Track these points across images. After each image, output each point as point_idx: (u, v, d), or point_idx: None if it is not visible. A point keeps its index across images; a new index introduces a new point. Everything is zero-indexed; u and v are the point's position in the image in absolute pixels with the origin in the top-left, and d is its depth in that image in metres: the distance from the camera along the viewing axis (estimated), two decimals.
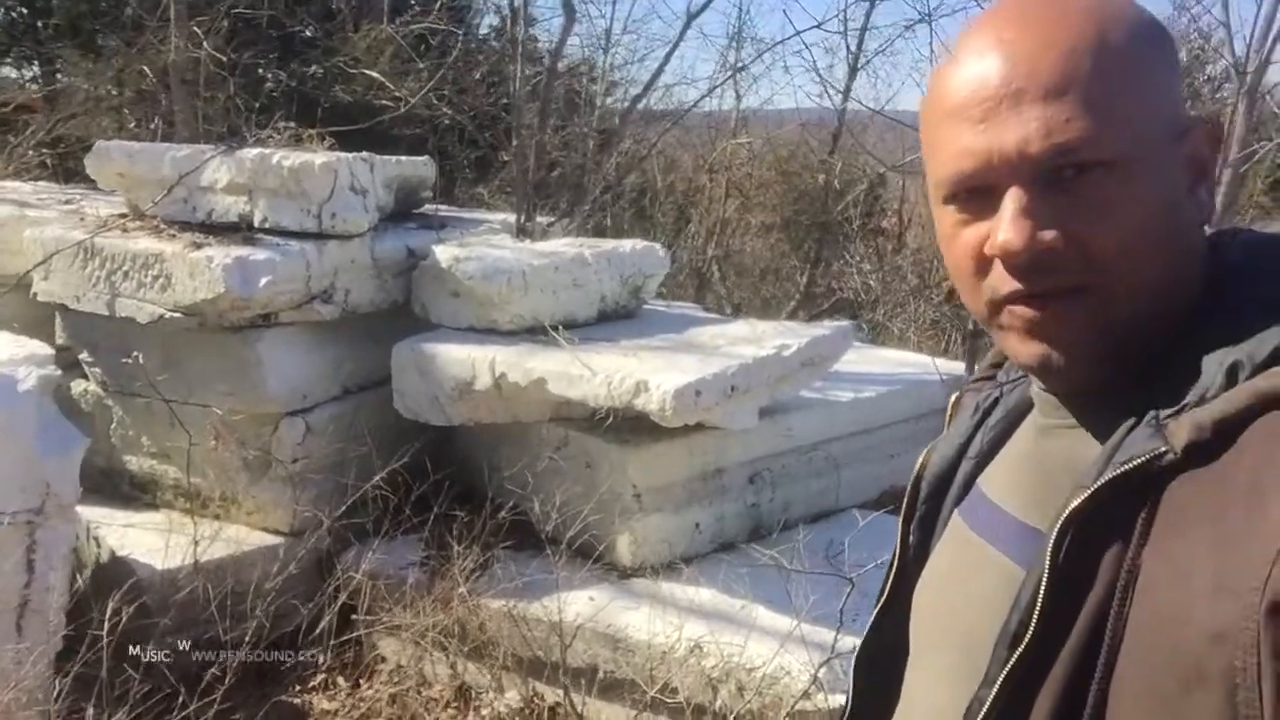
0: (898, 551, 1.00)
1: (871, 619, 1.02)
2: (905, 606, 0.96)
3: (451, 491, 3.41)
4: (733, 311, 7.01)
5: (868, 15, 7.14)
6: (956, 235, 0.80)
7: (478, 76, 6.13)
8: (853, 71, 7.20)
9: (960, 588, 0.87)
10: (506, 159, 5.79)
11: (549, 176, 5.84)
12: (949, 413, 1.02)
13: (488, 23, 9.08)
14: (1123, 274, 0.74)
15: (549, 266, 3.57)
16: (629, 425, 3.22)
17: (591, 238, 5.10)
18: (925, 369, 4.26)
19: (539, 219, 4.89)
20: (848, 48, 7.20)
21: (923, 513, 0.97)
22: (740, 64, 6.98)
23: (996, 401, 0.95)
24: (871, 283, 7.38)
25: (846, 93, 7.09)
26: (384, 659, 3.32)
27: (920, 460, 0.99)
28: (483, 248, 3.73)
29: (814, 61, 10.09)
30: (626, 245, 3.89)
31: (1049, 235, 0.74)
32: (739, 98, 7.33)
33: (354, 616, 3.23)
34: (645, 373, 3.03)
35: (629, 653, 2.93)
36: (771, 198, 8.05)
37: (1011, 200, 0.75)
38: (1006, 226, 0.75)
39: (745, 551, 3.24)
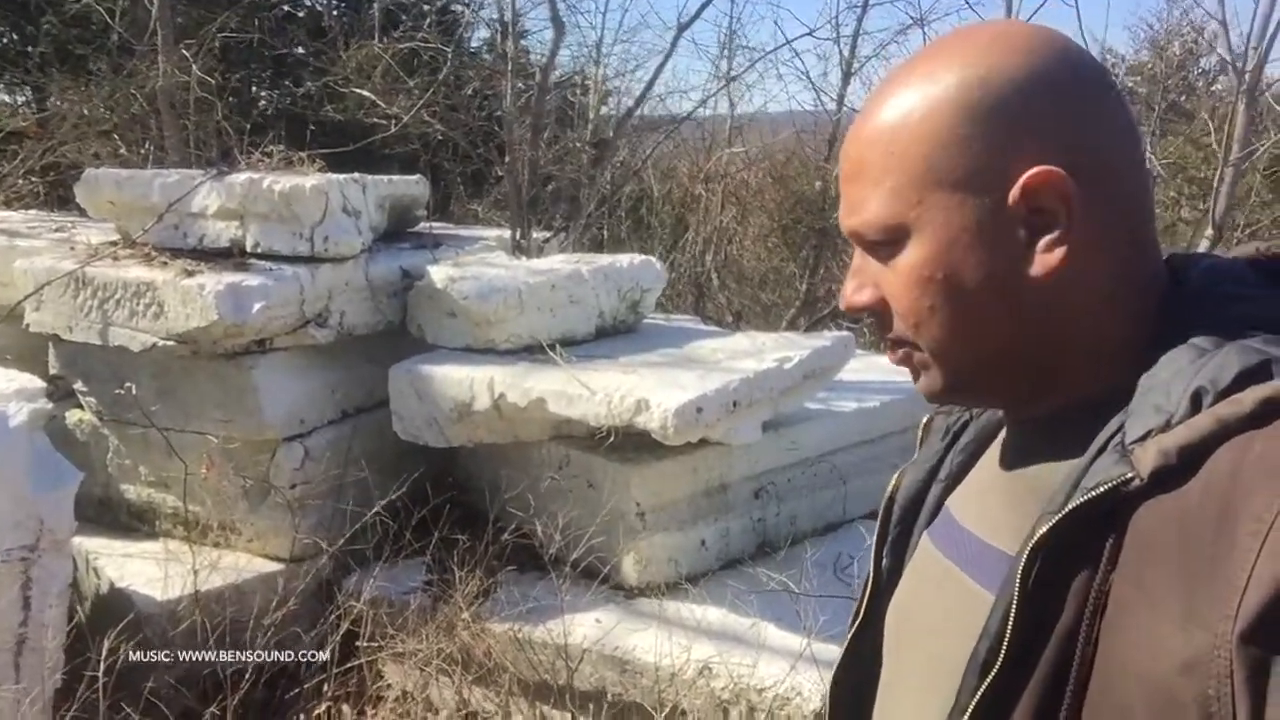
0: (871, 574, 1.01)
1: (846, 642, 1.03)
2: (880, 629, 0.97)
3: (453, 515, 3.37)
4: (734, 320, 6.97)
5: (859, 20, 7.13)
6: None
7: (469, 92, 6.11)
8: (846, 77, 7.17)
9: (929, 611, 0.88)
10: (501, 174, 5.77)
11: (544, 191, 5.82)
12: (919, 435, 1.03)
13: (479, 37, 9.07)
14: (931, 336, 0.81)
15: (545, 284, 3.53)
16: (631, 443, 3.18)
17: (589, 252, 5.06)
18: None
19: (535, 234, 4.85)
20: (840, 54, 7.18)
21: (894, 535, 0.99)
22: (732, 73, 6.96)
23: (966, 424, 0.97)
24: None
25: (841, 99, 7.07)
26: (389, 687, 3.27)
27: (892, 483, 1.01)
28: (478, 266, 3.69)
29: (807, 70, 10.04)
30: (624, 260, 3.85)
31: (864, 296, 0.84)
32: (732, 105, 7.33)
33: (358, 644, 3.18)
34: (645, 390, 2.99)
35: (637, 675, 2.89)
36: (768, 204, 8.03)
37: (854, 258, 0.86)
38: (846, 281, 0.86)
39: (753, 569, 3.20)
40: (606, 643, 2.94)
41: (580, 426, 3.13)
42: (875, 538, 1.01)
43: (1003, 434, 0.90)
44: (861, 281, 0.83)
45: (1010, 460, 0.87)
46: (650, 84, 5.78)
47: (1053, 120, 0.77)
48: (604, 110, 6.86)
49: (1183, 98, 11.31)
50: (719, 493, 3.35)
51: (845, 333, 3.91)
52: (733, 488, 3.37)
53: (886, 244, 0.80)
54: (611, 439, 3.07)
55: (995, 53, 0.77)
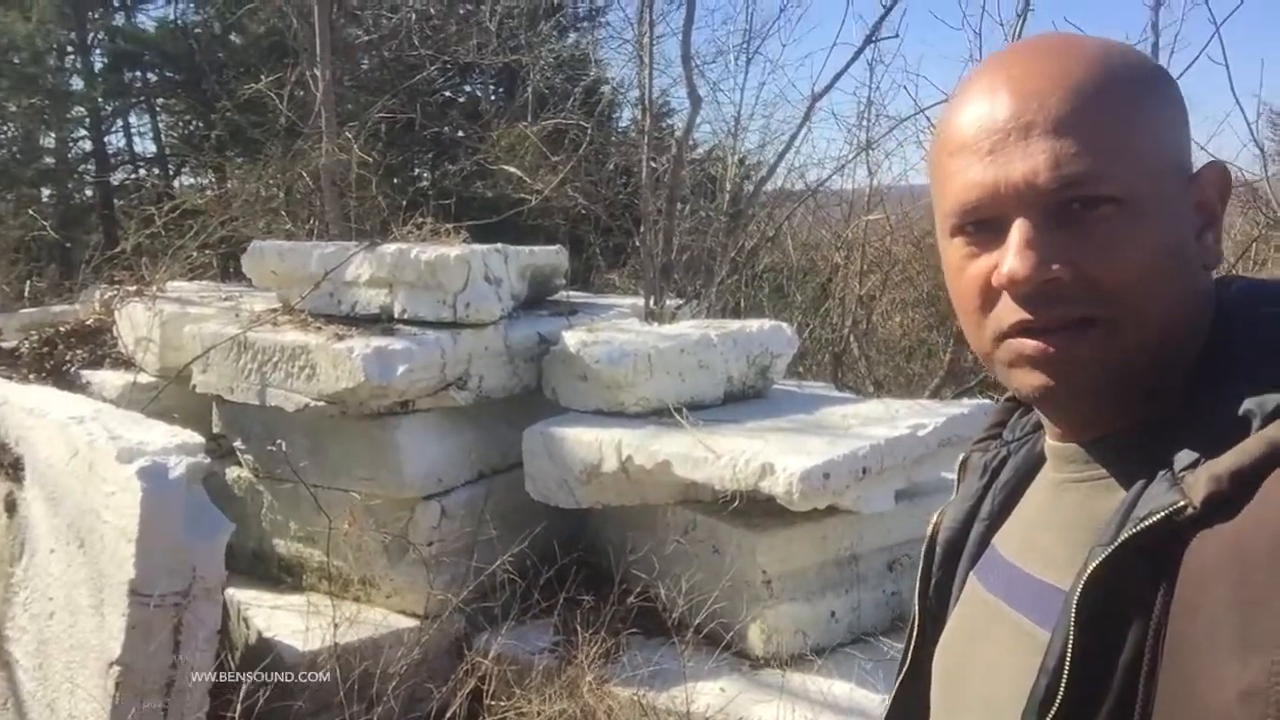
0: (916, 619, 0.98)
1: (894, 691, 1.01)
2: (927, 675, 0.94)
3: (580, 576, 3.40)
4: (874, 390, 6.85)
5: None
6: (963, 268, 0.80)
7: (611, 167, 6.30)
8: None
9: (978, 650, 0.86)
10: (638, 245, 5.91)
11: (678, 260, 5.91)
12: (957, 475, 1.00)
13: (627, 116, 9.36)
14: (1133, 308, 0.74)
15: (674, 349, 3.57)
16: (759, 509, 3.15)
17: (722, 319, 5.09)
18: None
19: (669, 302, 4.92)
20: None
21: (938, 578, 0.96)
22: (870, 142, 6.94)
23: (1005, 461, 0.94)
24: None
25: None
26: None
27: (931, 524, 0.98)
28: (610, 332, 3.76)
29: None
30: (753, 325, 3.86)
31: (1055, 267, 0.74)
32: (871, 174, 7.29)
33: (488, 702, 3.22)
34: (771, 455, 2.97)
35: None
36: (911, 274, 7.90)
37: (1018, 231, 0.75)
38: (1012, 256, 0.75)
39: (882, 642, 3.10)
40: (730, 713, 2.89)
41: (706, 490, 3.13)
42: (918, 582, 0.99)
43: (1046, 467, 0.88)
44: (1047, 252, 0.74)
45: (1059, 490, 0.84)
46: (784, 152, 5.84)
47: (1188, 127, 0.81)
48: (744, 183, 6.94)
49: None
50: (850, 563, 3.27)
51: (986, 401, 3.79)
52: (864, 559, 3.29)
53: (1109, 204, 0.73)
54: (737, 503, 3.06)
55: (1138, 52, 0.82)
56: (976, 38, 6.03)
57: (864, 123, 7.21)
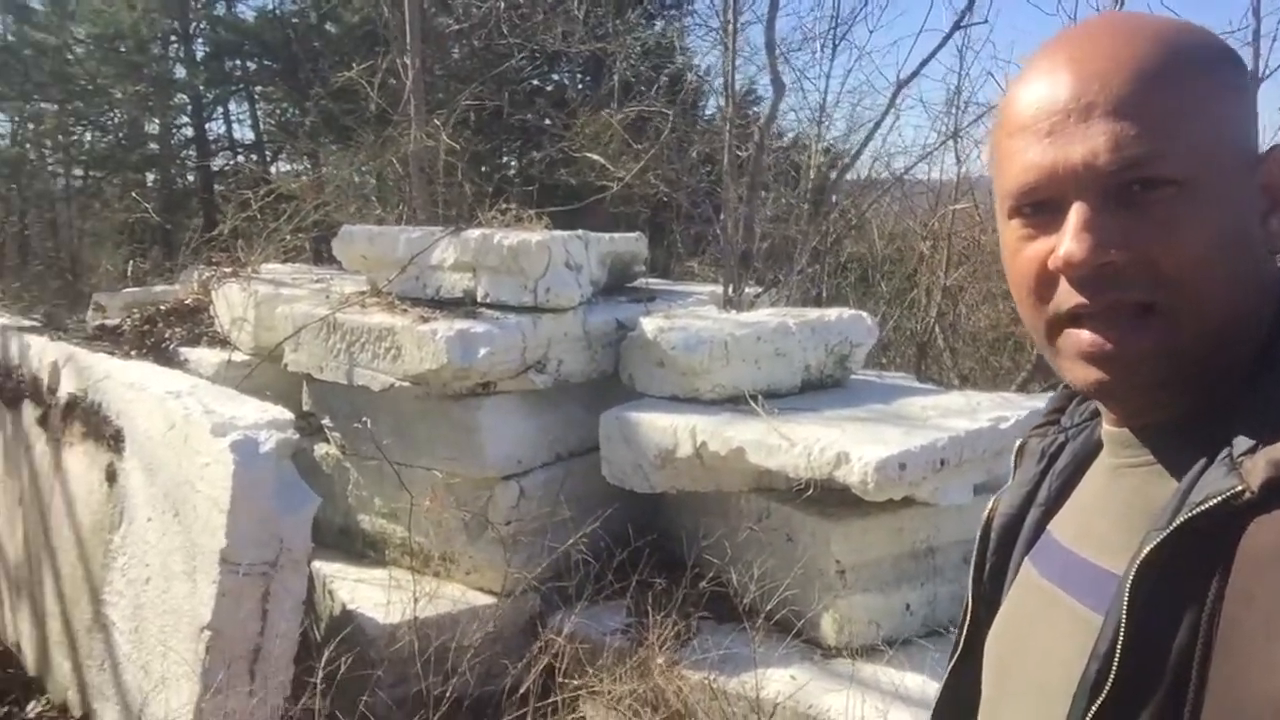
0: (970, 604, 0.98)
1: (946, 674, 1.01)
2: (979, 660, 0.94)
3: (653, 559, 3.43)
4: (959, 383, 6.74)
5: None
6: (1020, 250, 0.79)
7: (694, 155, 6.31)
8: None
9: (1032, 635, 0.85)
10: (719, 232, 5.92)
11: (759, 248, 5.90)
12: (1014, 460, 0.99)
13: (712, 104, 9.35)
14: (1194, 292, 0.72)
15: (751, 336, 3.57)
16: (834, 498, 3.14)
17: (802, 307, 5.06)
18: None
19: (748, 290, 4.91)
20: None
21: (993, 563, 0.96)
22: (958, 130, 6.83)
23: (1063, 446, 0.93)
24: None
25: None
26: None
27: (987, 509, 0.97)
28: (687, 319, 3.78)
29: None
30: (832, 314, 3.84)
31: (1113, 251, 0.73)
32: (959, 163, 7.16)
33: (560, 679, 3.28)
34: (846, 444, 2.96)
35: None
36: (1000, 264, 7.74)
37: (1076, 213, 0.74)
38: (1070, 239, 0.74)
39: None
40: (800, 700, 2.89)
41: (780, 478, 3.13)
42: (973, 566, 0.98)
43: (1103, 453, 0.87)
44: (1105, 234, 0.73)
45: (1116, 475, 0.83)
46: (867, 140, 5.78)
47: (1254, 110, 0.80)
48: (829, 172, 6.89)
49: None
50: (926, 556, 3.24)
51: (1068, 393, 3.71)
52: (941, 551, 3.26)
53: (1169, 187, 0.72)
54: (811, 492, 3.05)
55: (1204, 32, 0.79)
56: (1071, 23, 5.85)
57: (952, 110, 7.09)
